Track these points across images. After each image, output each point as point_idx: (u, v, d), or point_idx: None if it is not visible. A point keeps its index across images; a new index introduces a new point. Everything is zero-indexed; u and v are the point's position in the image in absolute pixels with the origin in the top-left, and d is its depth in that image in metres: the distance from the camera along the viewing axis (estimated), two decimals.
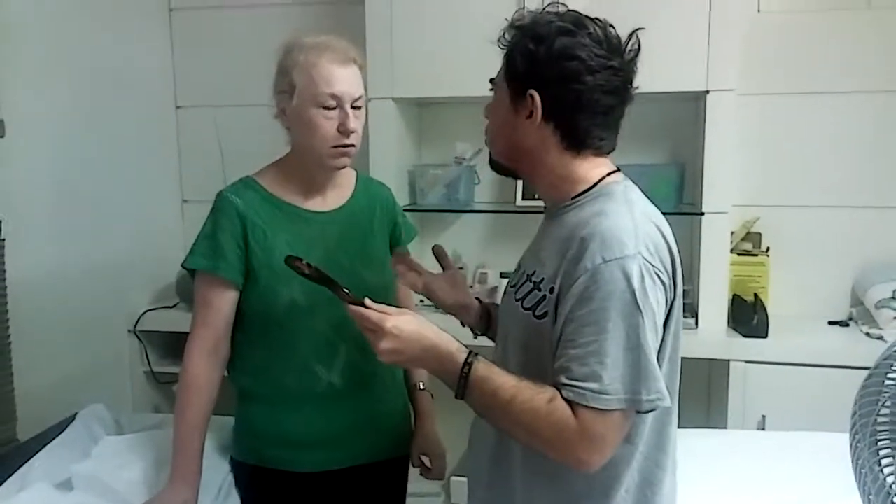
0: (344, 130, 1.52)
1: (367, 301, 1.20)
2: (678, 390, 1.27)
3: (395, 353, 1.15)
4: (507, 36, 1.23)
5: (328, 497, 1.66)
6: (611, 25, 1.20)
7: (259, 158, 1.69)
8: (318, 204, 1.64)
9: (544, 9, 1.23)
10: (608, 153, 1.26)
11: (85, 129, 2.50)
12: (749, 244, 2.63)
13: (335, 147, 1.53)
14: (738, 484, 1.71)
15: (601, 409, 1.07)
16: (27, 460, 1.69)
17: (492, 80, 1.27)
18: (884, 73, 2.52)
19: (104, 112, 2.59)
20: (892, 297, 2.36)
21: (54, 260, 2.37)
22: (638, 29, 1.21)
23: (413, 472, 1.82)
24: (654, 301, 1.10)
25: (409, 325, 1.16)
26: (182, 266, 1.61)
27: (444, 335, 1.17)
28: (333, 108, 1.51)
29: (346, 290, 1.24)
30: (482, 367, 1.14)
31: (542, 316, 1.17)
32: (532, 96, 1.18)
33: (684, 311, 2.48)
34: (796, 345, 2.36)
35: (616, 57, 1.18)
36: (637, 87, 1.23)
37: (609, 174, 1.23)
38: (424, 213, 2.79)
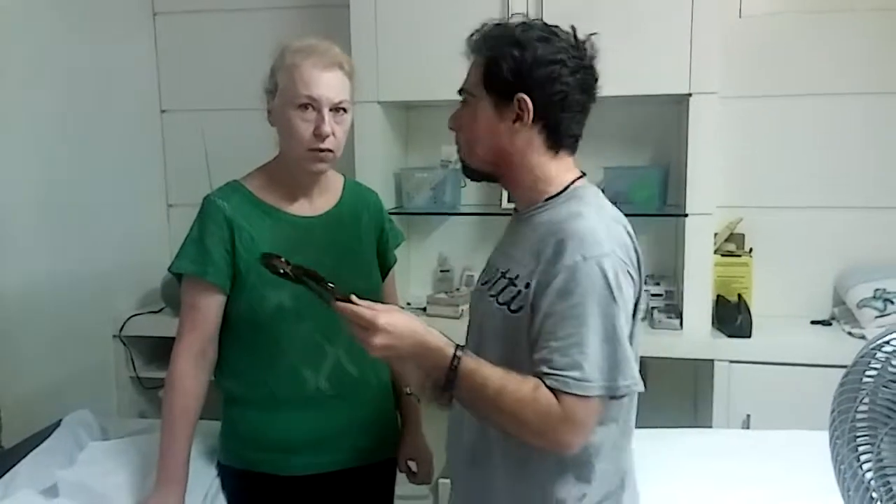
0: (318, 134, 1.51)
1: (354, 298, 1.20)
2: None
3: (389, 348, 1.18)
4: (481, 45, 1.28)
5: (316, 500, 1.65)
6: (573, 27, 1.29)
7: (244, 162, 1.69)
8: (304, 208, 1.64)
9: (510, 19, 1.30)
10: (574, 154, 1.33)
11: (69, 133, 2.49)
12: (732, 245, 2.66)
13: (311, 150, 1.53)
14: (723, 482, 1.72)
15: (582, 396, 1.15)
16: (12, 467, 1.67)
17: (462, 91, 1.31)
18: (865, 75, 2.55)
19: (88, 116, 2.58)
20: (874, 297, 2.39)
21: (39, 265, 2.35)
22: (593, 34, 1.29)
23: (400, 476, 1.83)
24: (626, 294, 1.20)
25: (401, 320, 1.19)
26: (169, 270, 1.60)
27: (433, 330, 1.21)
28: (311, 111, 1.51)
29: (332, 284, 1.22)
30: (470, 361, 1.19)
31: (517, 310, 1.23)
32: (523, 100, 1.24)
33: (669, 311, 2.53)
34: (780, 344, 2.38)
35: (587, 58, 1.27)
36: (601, 87, 1.30)
37: (577, 178, 1.31)
38: (411, 216, 2.81)
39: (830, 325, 2.55)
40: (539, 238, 1.24)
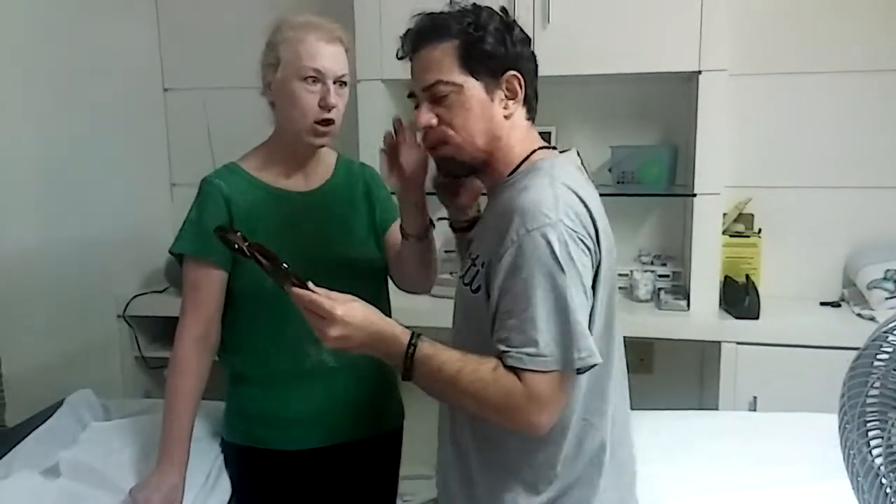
0: (325, 105, 1.53)
1: (311, 285, 1.18)
2: (626, 358, 1.36)
3: (344, 339, 1.17)
4: (439, 34, 1.26)
5: (320, 474, 1.66)
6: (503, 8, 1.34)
7: (248, 141, 1.68)
8: (299, 184, 1.65)
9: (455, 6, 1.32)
10: None
11: (72, 111, 2.48)
12: (741, 225, 2.63)
13: (316, 123, 1.54)
14: (729, 464, 1.71)
15: (542, 371, 1.13)
16: (14, 446, 1.67)
17: (432, 86, 1.25)
18: (878, 53, 2.50)
19: (91, 95, 2.56)
20: (884, 278, 2.36)
21: (42, 245, 2.35)
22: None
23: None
24: (580, 264, 1.16)
25: (358, 311, 1.18)
26: (169, 252, 1.61)
27: (387, 319, 1.21)
28: (316, 83, 1.53)
29: (286, 265, 1.19)
30: (426, 346, 1.18)
31: (476, 290, 1.24)
32: (516, 77, 1.27)
33: (676, 292, 2.51)
34: (788, 326, 2.35)
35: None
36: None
37: (540, 148, 1.31)
38: None
39: (840, 306, 2.52)
40: (497, 216, 1.23)
